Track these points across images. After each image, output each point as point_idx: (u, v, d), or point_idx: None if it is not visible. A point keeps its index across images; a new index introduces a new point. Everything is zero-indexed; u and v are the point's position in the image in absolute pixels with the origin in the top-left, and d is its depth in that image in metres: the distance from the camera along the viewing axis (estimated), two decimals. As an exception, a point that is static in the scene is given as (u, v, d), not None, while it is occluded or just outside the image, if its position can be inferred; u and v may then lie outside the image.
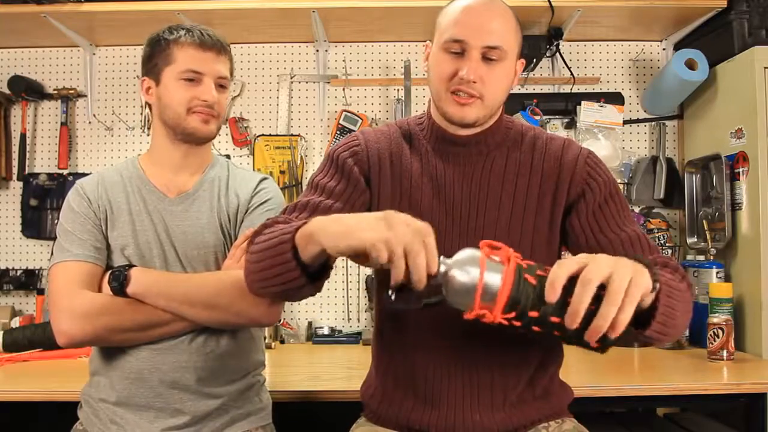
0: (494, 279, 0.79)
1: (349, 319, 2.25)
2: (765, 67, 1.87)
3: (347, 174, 1.13)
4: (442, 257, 0.82)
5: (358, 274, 2.26)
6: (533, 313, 0.79)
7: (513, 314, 0.79)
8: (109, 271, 1.22)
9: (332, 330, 2.20)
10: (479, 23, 1.05)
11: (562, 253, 1.20)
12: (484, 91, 1.06)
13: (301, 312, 2.27)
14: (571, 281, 0.77)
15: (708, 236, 2.05)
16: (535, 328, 0.81)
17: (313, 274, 0.95)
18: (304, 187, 2.27)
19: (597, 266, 0.77)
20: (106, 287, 1.21)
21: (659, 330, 0.85)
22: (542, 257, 1.11)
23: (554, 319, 0.78)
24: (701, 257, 2.05)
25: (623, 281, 0.76)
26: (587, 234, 1.10)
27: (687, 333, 1.97)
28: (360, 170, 1.14)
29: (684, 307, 0.91)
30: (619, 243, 1.07)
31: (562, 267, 0.78)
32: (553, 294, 0.77)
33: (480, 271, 0.79)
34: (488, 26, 1.05)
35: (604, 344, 0.79)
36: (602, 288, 0.76)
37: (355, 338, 2.15)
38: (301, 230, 0.91)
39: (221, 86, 1.29)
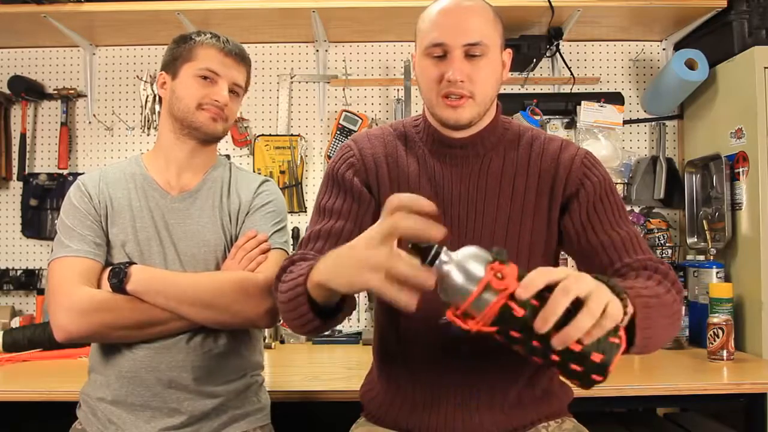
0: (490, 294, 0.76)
1: (349, 319, 2.25)
2: (765, 67, 1.87)
3: (349, 188, 1.13)
4: (445, 249, 0.78)
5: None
6: (515, 330, 0.76)
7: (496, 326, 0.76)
8: (109, 268, 1.22)
9: (332, 330, 2.19)
10: (456, 23, 1.05)
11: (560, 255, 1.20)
12: (474, 89, 1.06)
13: (301, 312, 2.26)
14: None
15: (708, 236, 2.05)
16: (515, 334, 0.76)
17: (336, 309, 0.95)
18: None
19: (577, 280, 0.74)
20: (105, 284, 1.21)
21: (639, 350, 0.86)
22: (540, 257, 1.12)
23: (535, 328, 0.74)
24: (701, 257, 2.05)
25: (602, 300, 0.74)
26: (580, 235, 1.09)
27: (687, 333, 1.98)
28: (360, 180, 1.14)
29: (666, 320, 0.92)
30: (611, 245, 1.06)
31: (540, 273, 0.75)
32: (525, 293, 0.73)
33: (484, 279, 0.75)
34: (465, 24, 1.05)
35: (585, 370, 0.76)
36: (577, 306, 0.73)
37: (355, 338, 2.15)
38: (310, 280, 0.91)
39: (234, 93, 1.31)
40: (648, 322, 0.85)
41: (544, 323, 0.72)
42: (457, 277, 0.76)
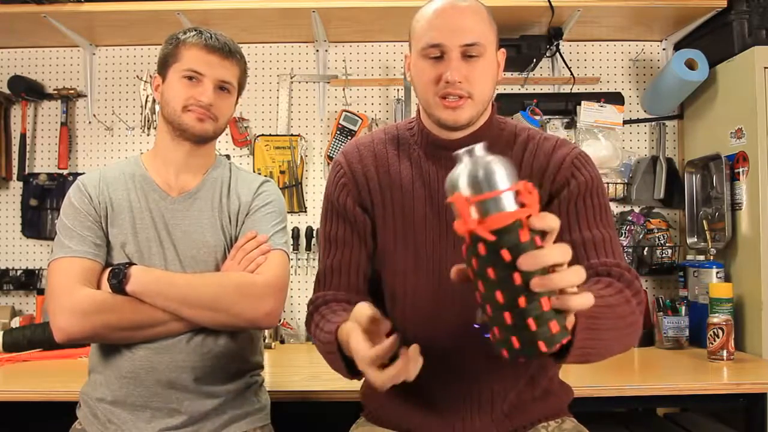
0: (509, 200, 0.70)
1: (349, 319, 2.24)
2: (765, 67, 1.87)
3: (344, 214, 1.16)
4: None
5: (358, 274, 2.25)
6: (508, 252, 0.69)
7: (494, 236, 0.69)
8: (109, 269, 1.22)
9: (332, 330, 2.19)
10: (453, 23, 1.04)
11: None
12: (472, 90, 1.05)
13: (301, 312, 2.27)
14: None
15: (708, 236, 2.05)
16: (505, 255, 0.69)
17: None
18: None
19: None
20: (105, 285, 1.21)
21: (577, 359, 0.84)
22: None
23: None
24: (701, 257, 2.05)
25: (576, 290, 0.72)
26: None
27: (687, 333, 1.98)
28: (353, 200, 1.15)
29: (615, 332, 0.90)
30: (581, 244, 1.04)
31: (555, 218, 0.72)
32: (541, 223, 0.70)
33: (517, 183, 0.70)
34: (462, 25, 1.04)
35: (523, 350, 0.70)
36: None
37: (355, 338, 2.14)
38: (339, 338, 0.99)
39: (224, 89, 1.29)
40: (591, 333, 0.82)
41: (548, 258, 0.68)
42: (492, 169, 0.70)
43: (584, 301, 0.71)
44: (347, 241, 1.16)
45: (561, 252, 0.70)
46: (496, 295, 0.70)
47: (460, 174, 0.71)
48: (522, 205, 0.70)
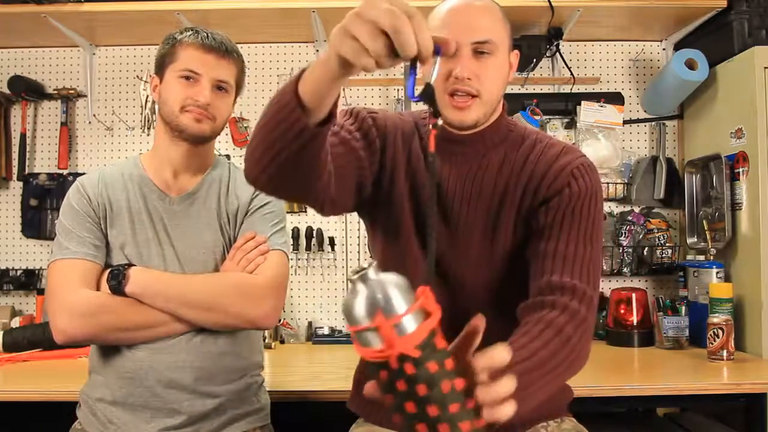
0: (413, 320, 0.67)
1: (349, 319, 2.24)
2: (765, 67, 1.87)
3: (365, 129, 1.09)
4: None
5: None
6: (432, 365, 0.66)
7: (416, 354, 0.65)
8: (108, 270, 1.22)
9: (332, 330, 2.19)
10: (466, 21, 1.05)
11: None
12: (481, 88, 1.05)
13: (301, 312, 2.27)
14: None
15: (708, 236, 2.05)
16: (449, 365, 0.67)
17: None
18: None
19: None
20: (104, 285, 1.21)
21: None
22: (522, 262, 1.08)
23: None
24: (701, 257, 2.05)
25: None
26: (536, 238, 1.05)
27: (687, 333, 1.97)
28: (377, 132, 1.11)
29: (544, 382, 0.87)
30: (553, 256, 1.01)
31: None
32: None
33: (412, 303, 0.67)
34: (475, 22, 1.05)
35: None
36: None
37: (355, 338, 2.15)
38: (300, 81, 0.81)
39: (221, 89, 1.28)
40: (521, 394, 0.78)
41: (502, 393, 0.71)
42: (399, 286, 0.66)
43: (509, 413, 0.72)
44: (345, 140, 1.04)
45: (511, 384, 0.72)
46: (428, 410, 0.66)
47: (366, 300, 0.66)
48: (428, 314, 0.67)
